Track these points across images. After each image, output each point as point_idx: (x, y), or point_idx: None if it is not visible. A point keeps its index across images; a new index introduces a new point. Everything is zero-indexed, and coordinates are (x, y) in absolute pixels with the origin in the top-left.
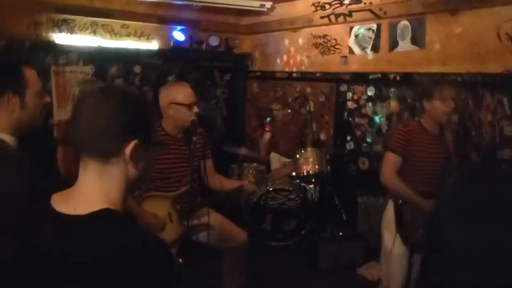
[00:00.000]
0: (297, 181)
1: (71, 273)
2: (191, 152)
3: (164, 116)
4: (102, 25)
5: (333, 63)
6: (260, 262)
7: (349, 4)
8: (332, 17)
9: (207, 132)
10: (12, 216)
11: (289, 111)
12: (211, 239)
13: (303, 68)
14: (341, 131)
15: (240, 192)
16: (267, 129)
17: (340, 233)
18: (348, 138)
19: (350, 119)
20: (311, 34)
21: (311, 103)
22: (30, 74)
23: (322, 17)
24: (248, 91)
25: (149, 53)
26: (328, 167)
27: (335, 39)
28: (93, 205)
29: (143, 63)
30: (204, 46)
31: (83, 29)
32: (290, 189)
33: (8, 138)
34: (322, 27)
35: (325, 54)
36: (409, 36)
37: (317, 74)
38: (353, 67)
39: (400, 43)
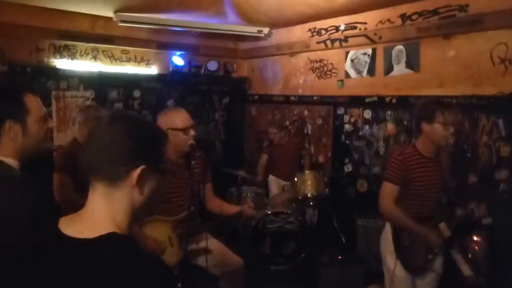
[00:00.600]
0: (296, 204)
1: None
2: (190, 176)
3: None
4: (103, 50)
5: (330, 87)
6: (260, 286)
7: (345, 30)
8: (328, 42)
9: (206, 155)
10: (18, 239)
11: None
12: (209, 264)
13: (300, 92)
14: (339, 153)
15: (239, 217)
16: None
17: (340, 257)
18: (346, 160)
19: (347, 141)
20: (308, 58)
21: (309, 126)
22: (32, 101)
23: (318, 42)
24: (246, 115)
25: (149, 78)
26: (327, 189)
27: (331, 64)
28: (100, 229)
29: (143, 87)
30: (202, 70)
31: (84, 54)
32: (289, 212)
33: (12, 162)
34: (319, 52)
35: (322, 78)
36: (404, 60)
37: (314, 98)
38: (350, 90)
39: (395, 67)
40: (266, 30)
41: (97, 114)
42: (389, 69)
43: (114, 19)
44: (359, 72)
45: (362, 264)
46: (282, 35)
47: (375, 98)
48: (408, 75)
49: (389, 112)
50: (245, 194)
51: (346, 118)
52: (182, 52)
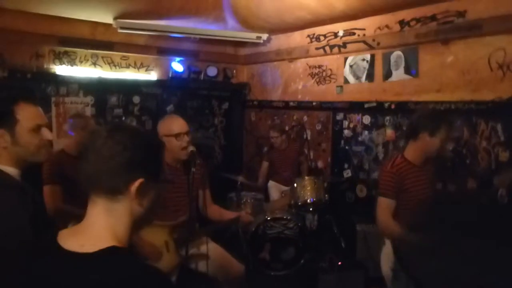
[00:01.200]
0: (295, 209)
1: None
2: (189, 183)
3: None
4: (102, 57)
5: (329, 92)
6: None
7: (343, 36)
8: (327, 48)
9: (206, 161)
10: (17, 249)
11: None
12: (209, 269)
13: (299, 97)
14: (338, 159)
15: (237, 222)
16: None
17: (339, 262)
18: (346, 165)
19: (347, 147)
20: (307, 64)
21: (308, 132)
22: (24, 110)
23: (317, 48)
24: (245, 120)
25: (148, 84)
26: (326, 195)
27: (330, 69)
28: (100, 243)
29: (142, 93)
30: (202, 76)
31: (83, 60)
32: (288, 217)
33: (11, 170)
34: (318, 58)
35: (321, 83)
36: (402, 65)
37: (314, 103)
38: (349, 96)
39: (394, 72)
40: (265, 36)
41: (84, 123)
42: (387, 74)
43: (114, 25)
44: (358, 77)
45: (361, 269)
46: (281, 41)
47: (374, 104)
48: (407, 80)
49: (388, 118)
50: (245, 199)
51: (345, 123)
52: (182, 58)
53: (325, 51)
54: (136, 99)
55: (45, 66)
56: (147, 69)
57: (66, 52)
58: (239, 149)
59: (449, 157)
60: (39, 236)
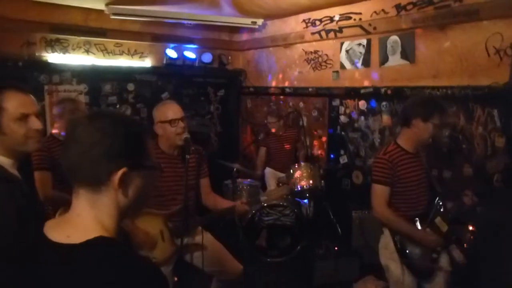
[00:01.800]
0: (291, 196)
1: None
2: (185, 170)
3: (157, 136)
4: (95, 44)
5: (325, 78)
6: (256, 278)
7: (339, 20)
8: (323, 33)
9: (204, 149)
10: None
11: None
12: (204, 262)
13: (295, 84)
14: (334, 145)
15: (232, 212)
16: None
17: (335, 249)
18: (342, 152)
19: (343, 133)
20: (303, 50)
21: (304, 118)
22: (10, 99)
23: (313, 33)
24: (241, 107)
25: (143, 71)
26: (322, 182)
27: (326, 55)
28: (87, 233)
29: (137, 80)
30: (197, 63)
31: (76, 48)
32: (285, 204)
33: (3, 160)
34: (314, 43)
35: (317, 69)
36: (399, 51)
37: (310, 89)
38: (345, 82)
39: (390, 58)
40: (260, 21)
41: (74, 107)
42: (384, 60)
43: (106, 12)
44: (354, 63)
45: (357, 255)
46: (277, 27)
47: (370, 89)
48: (403, 66)
49: (384, 103)
50: (241, 186)
51: (342, 109)
52: (176, 45)
53: (321, 36)
54: (131, 86)
55: (37, 54)
56: (141, 56)
57: (58, 40)
58: (235, 136)
59: (445, 143)
60: (25, 228)
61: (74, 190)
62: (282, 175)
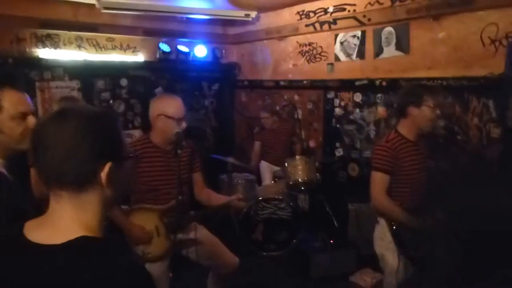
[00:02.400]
0: (287, 190)
1: None
2: (177, 165)
3: (152, 128)
4: (87, 39)
5: (319, 71)
6: (252, 272)
7: (333, 12)
8: (317, 25)
9: (197, 143)
10: None
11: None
12: (200, 256)
13: (290, 76)
14: (330, 138)
15: (228, 208)
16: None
17: (332, 241)
18: (337, 145)
19: (338, 125)
20: (297, 42)
21: (299, 111)
22: (8, 97)
23: (307, 25)
24: (236, 101)
25: (136, 66)
26: (318, 174)
27: (320, 47)
28: (68, 234)
29: (130, 76)
30: (190, 57)
31: (67, 43)
32: (280, 198)
33: None
34: (308, 35)
35: (312, 61)
36: (393, 42)
37: (304, 82)
38: (340, 74)
39: (385, 49)
40: (253, 13)
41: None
42: (378, 51)
43: (97, 6)
44: (348, 55)
45: (354, 248)
46: (271, 19)
47: (365, 81)
48: (398, 57)
49: (379, 95)
50: (236, 181)
51: (337, 102)
52: (169, 39)
53: (315, 28)
54: (124, 82)
55: (27, 50)
56: (134, 50)
57: (48, 35)
58: (230, 130)
59: (440, 134)
60: (4, 228)
61: (54, 193)
62: (277, 168)
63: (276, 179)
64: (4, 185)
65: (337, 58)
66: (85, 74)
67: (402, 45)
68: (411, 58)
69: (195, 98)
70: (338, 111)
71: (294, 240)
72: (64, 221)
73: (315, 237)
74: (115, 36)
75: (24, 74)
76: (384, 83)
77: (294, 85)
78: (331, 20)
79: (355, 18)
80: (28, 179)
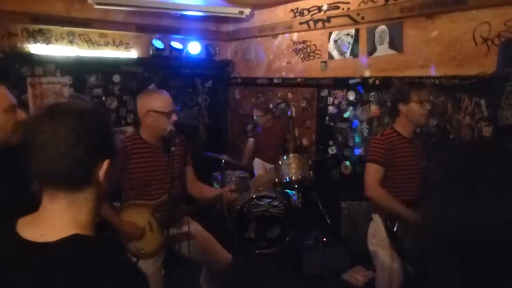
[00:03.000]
0: (280, 187)
1: None
2: (170, 161)
3: (142, 124)
4: (79, 34)
5: (313, 69)
6: (245, 270)
7: (327, 10)
8: (311, 23)
9: (189, 139)
10: None
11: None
12: (193, 252)
13: (284, 74)
14: (323, 136)
15: (220, 200)
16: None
17: (324, 239)
18: (331, 143)
19: (331, 123)
20: (291, 40)
21: (293, 109)
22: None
23: (301, 23)
24: (229, 98)
25: (129, 62)
26: (311, 172)
27: (314, 45)
28: (61, 231)
29: (123, 72)
30: (184, 53)
31: (59, 39)
32: (273, 195)
33: None
34: (302, 33)
35: (305, 59)
36: (387, 40)
37: (298, 80)
38: (333, 72)
39: (379, 47)
40: (247, 11)
41: None
42: (372, 49)
43: (89, 1)
44: (342, 53)
45: (346, 246)
46: (265, 16)
47: (359, 80)
48: (391, 55)
49: (372, 94)
50: (229, 178)
51: (330, 100)
52: (163, 35)
53: (309, 26)
54: (116, 78)
55: (18, 45)
56: (127, 46)
57: (40, 30)
58: (223, 127)
59: (432, 133)
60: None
61: (47, 191)
62: (271, 166)
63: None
64: None
65: (330, 56)
66: (77, 70)
67: (396, 43)
68: (404, 57)
69: (188, 95)
70: (331, 109)
71: (287, 238)
72: (57, 219)
73: (308, 235)
74: (108, 32)
75: (15, 69)
76: (377, 82)
77: (287, 83)
78: (325, 18)
79: (349, 16)
80: (19, 174)
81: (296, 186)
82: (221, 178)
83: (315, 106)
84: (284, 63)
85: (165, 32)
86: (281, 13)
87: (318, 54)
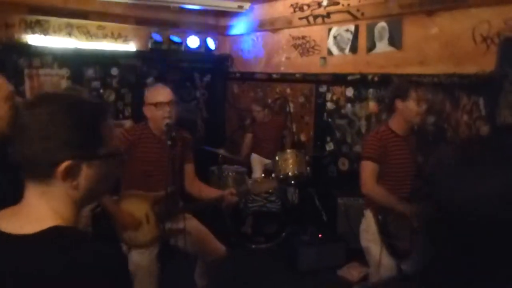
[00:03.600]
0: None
1: None
2: (169, 155)
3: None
4: (78, 26)
5: (312, 64)
6: (241, 265)
7: (327, 5)
8: (311, 18)
9: (191, 135)
10: None
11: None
12: (188, 243)
13: (282, 69)
14: (321, 132)
15: (220, 202)
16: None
17: (320, 235)
18: (328, 139)
19: (329, 120)
20: (290, 35)
21: (291, 104)
22: None
23: (300, 18)
24: (228, 93)
25: (127, 55)
26: (308, 168)
27: (314, 40)
28: (41, 223)
29: (121, 65)
30: (183, 47)
31: (57, 30)
32: (270, 191)
33: None
34: (301, 28)
35: (304, 55)
36: (386, 37)
37: (297, 75)
38: (332, 68)
39: (378, 44)
40: (247, 5)
41: None
42: (371, 46)
43: None
44: (341, 49)
45: (342, 242)
46: (264, 11)
47: (358, 76)
48: (391, 52)
49: (371, 90)
50: (227, 173)
51: (329, 96)
52: (162, 28)
53: (308, 21)
54: (115, 71)
55: (16, 37)
56: (125, 39)
57: (38, 21)
58: (221, 122)
59: (430, 130)
60: None
61: (26, 184)
62: (268, 161)
63: (267, 173)
64: None
65: (330, 52)
66: (75, 62)
67: (395, 40)
68: (404, 54)
69: (186, 89)
70: (329, 105)
71: (283, 233)
72: (37, 211)
73: (304, 230)
74: (106, 24)
75: (13, 60)
76: (376, 78)
77: (286, 78)
78: (324, 13)
79: (348, 12)
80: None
81: (292, 182)
82: (218, 172)
83: (313, 102)
84: (283, 59)
85: (164, 25)
86: (280, 8)
87: (317, 50)
